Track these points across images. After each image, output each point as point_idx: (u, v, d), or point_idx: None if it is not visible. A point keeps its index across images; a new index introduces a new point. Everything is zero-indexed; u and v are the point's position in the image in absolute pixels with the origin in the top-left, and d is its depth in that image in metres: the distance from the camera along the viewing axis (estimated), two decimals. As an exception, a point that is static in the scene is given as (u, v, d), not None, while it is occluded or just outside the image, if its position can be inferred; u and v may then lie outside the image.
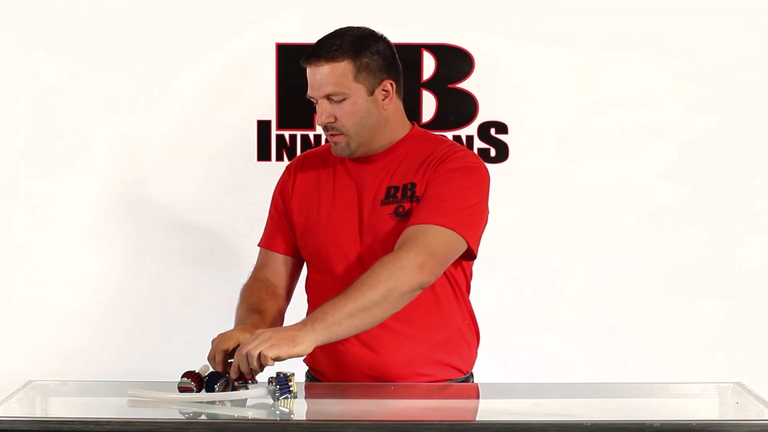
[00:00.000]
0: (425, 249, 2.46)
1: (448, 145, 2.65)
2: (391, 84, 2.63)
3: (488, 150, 3.57)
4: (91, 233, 3.62)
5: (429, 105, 3.56)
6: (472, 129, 3.59)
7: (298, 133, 3.60)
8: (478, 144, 3.57)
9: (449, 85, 3.56)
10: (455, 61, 3.56)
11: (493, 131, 3.59)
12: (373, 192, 2.63)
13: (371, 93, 2.60)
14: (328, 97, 2.58)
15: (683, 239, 3.61)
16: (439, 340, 2.64)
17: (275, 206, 2.77)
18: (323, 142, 3.56)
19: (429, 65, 3.56)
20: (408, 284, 2.43)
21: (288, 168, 2.80)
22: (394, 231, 2.56)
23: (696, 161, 3.59)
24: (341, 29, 2.64)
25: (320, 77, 2.57)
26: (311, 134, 3.59)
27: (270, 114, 3.59)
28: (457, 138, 3.55)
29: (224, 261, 3.60)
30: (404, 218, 2.57)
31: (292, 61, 3.56)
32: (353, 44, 2.58)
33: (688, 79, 3.57)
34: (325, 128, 2.62)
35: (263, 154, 3.60)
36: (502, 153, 3.58)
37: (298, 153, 3.55)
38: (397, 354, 2.61)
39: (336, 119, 2.59)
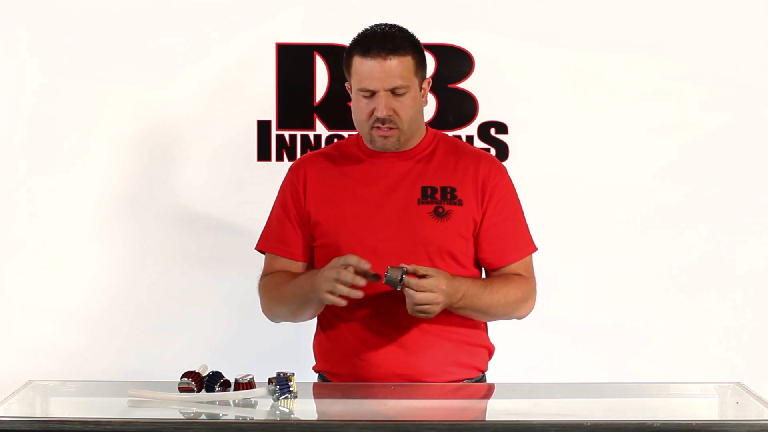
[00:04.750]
0: (535, 285, 2.74)
1: (479, 155, 2.76)
2: (428, 81, 2.73)
3: (488, 150, 3.57)
4: (92, 233, 3.62)
5: (429, 105, 3.54)
6: (472, 129, 3.59)
7: (298, 133, 3.59)
8: (478, 144, 3.57)
9: (449, 85, 3.56)
10: (455, 61, 3.56)
11: (493, 131, 3.59)
12: (405, 190, 2.68)
13: (420, 88, 2.68)
14: (393, 90, 2.61)
15: (683, 239, 3.60)
16: (464, 339, 2.70)
17: (286, 211, 2.75)
18: (323, 143, 3.56)
19: (429, 65, 3.54)
20: (522, 315, 2.73)
21: (293, 171, 2.78)
22: (433, 230, 2.65)
23: (696, 161, 3.59)
24: (383, 24, 2.67)
25: (389, 70, 2.60)
26: (311, 134, 3.59)
27: (270, 114, 3.59)
28: (457, 138, 3.54)
29: (224, 261, 3.60)
30: (444, 218, 2.65)
31: (292, 61, 3.57)
32: (411, 39, 2.67)
33: (688, 79, 3.57)
34: (381, 122, 2.63)
35: (263, 154, 3.60)
36: (502, 153, 3.58)
37: (299, 153, 3.55)
38: (429, 353, 2.65)
39: (394, 113, 2.63)
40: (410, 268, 2.51)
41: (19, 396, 2.43)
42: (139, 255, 3.62)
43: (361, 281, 2.50)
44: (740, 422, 2.29)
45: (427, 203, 2.67)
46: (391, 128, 2.63)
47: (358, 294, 2.51)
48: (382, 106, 2.61)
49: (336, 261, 2.53)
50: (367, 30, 2.67)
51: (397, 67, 2.61)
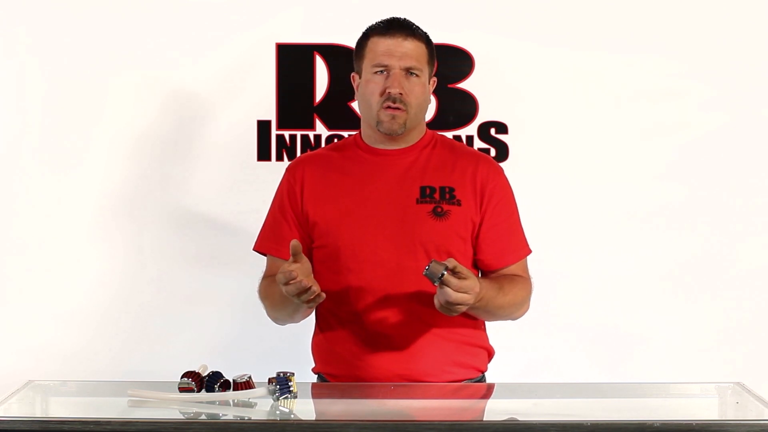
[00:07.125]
0: (531, 288, 2.74)
1: (477, 157, 2.77)
2: (434, 81, 2.77)
3: (488, 150, 3.57)
4: (92, 233, 3.62)
5: (429, 105, 3.56)
6: (472, 129, 3.59)
7: (298, 133, 3.59)
8: (478, 144, 3.57)
9: (449, 85, 3.56)
10: (455, 61, 3.56)
11: (493, 131, 3.59)
12: (404, 189, 2.68)
13: (428, 82, 2.73)
14: (407, 69, 2.65)
15: (683, 239, 3.61)
16: (464, 340, 2.70)
17: (282, 212, 2.75)
18: (323, 143, 3.56)
19: (430, 65, 3.56)
20: (519, 316, 2.73)
21: (290, 172, 2.78)
22: (432, 229, 2.65)
23: (696, 161, 3.59)
24: (400, 17, 2.72)
25: (405, 50, 2.66)
26: (311, 134, 3.59)
27: (270, 114, 3.59)
28: (457, 138, 3.55)
29: (224, 261, 3.60)
30: (442, 218, 2.65)
31: (292, 61, 3.57)
32: (426, 35, 2.73)
33: (687, 79, 3.57)
34: (391, 100, 2.64)
35: (263, 154, 3.60)
36: (502, 153, 3.58)
37: (299, 153, 3.55)
38: (428, 353, 2.65)
39: (405, 94, 2.65)
40: (451, 265, 2.45)
41: (19, 396, 2.43)
42: (139, 255, 3.62)
43: (291, 274, 2.45)
44: (740, 422, 2.29)
45: (426, 203, 2.67)
46: (399, 108, 2.65)
47: (302, 283, 2.46)
48: (396, 82, 2.64)
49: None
50: (384, 18, 2.72)
51: (414, 49, 2.66)
